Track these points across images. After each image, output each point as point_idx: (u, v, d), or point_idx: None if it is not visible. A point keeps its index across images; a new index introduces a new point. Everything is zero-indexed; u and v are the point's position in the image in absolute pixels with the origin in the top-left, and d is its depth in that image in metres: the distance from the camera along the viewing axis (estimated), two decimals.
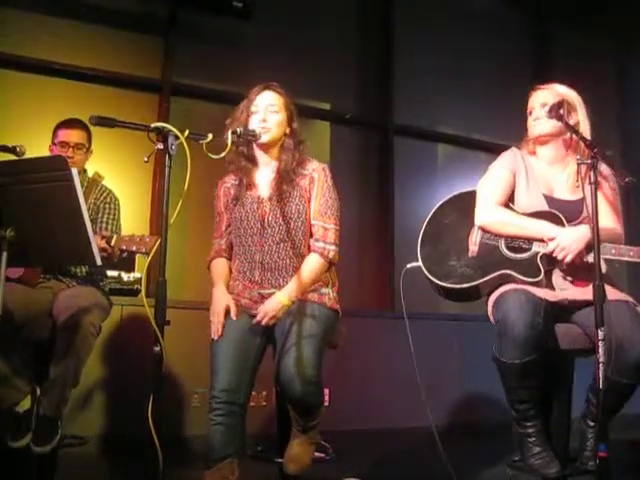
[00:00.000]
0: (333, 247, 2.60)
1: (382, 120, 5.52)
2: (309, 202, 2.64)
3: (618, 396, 2.47)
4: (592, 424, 2.64)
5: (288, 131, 2.68)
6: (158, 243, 2.06)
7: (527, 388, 2.55)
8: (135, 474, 2.79)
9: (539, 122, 2.81)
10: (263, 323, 2.47)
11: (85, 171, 3.37)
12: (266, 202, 2.62)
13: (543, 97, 2.83)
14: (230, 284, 2.66)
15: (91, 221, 2.26)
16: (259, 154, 2.69)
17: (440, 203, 2.96)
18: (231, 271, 2.71)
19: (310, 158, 2.72)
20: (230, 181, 2.75)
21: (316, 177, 2.66)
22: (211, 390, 2.40)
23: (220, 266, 2.71)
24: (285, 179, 2.62)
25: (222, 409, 2.35)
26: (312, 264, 2.57)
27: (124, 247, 2.81)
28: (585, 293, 2.54)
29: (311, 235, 2.64)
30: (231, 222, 2.70)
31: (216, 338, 2.49)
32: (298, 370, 2.32)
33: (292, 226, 2.59)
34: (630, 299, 2.62)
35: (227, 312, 2.53)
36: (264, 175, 2.68)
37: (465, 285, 2.74)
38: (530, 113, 2.87)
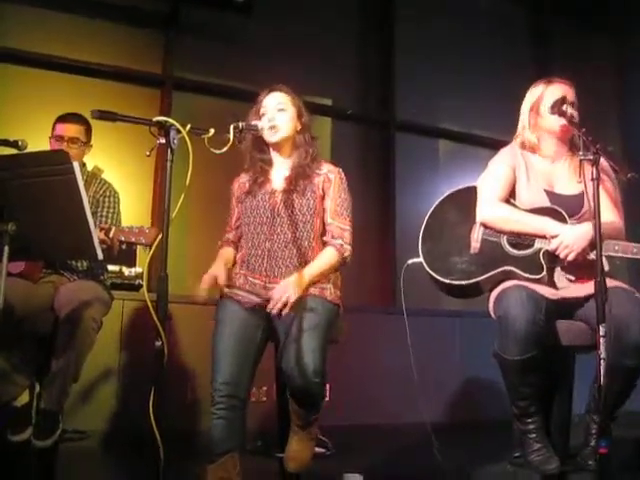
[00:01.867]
0: (349, 247, 2.64)
1: (383, 116, 5.52)
2: (321, 199, 2.66)
3: (622, 381, 2.47)
4: (596, 418, 2.65)
5: (299, 127, 2.71)
6: (159, 237, 2.06)
7: (528, 385, 2.55)
8: (136, 468, 2.80)
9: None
10: (281, 307, 2.40)
11: (84, 165, 3.37)
12: (278, 193, 2.64)
13: (567, 92, 2.78)
14: (231, 276, 2.66)
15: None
16: (274, 154, 2.73)
17: (440, 199, 2.95)
18: (235, 262, 2.71)
19: (323, 160, 2.76)
20: (245, 177, 2.77)
21: (332, 178, 2.69)
22: (212, 383, 2.41)
23: (225, 252, 2.74)
24: (300, 174, 2.65)
25: (223, 403, 2.36)
26: (328, 256, 2.59)
27: (123, 238, 2.79)
28: (586, 289, 2.54)
29: (324, 233, 2.66)
30: (241, 214, 2.71)
31: (203, 286, 2.52)
32: (301, 362, 2.32)
33: (301, 219, 2.61)
34: (629, 287, 2.62)
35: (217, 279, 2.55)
36: (279, 171, 2.71)
37: (467, 282, 2.74)
38: (561, 103, 2.65)
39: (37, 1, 4.43)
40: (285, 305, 2.41)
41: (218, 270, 2.59)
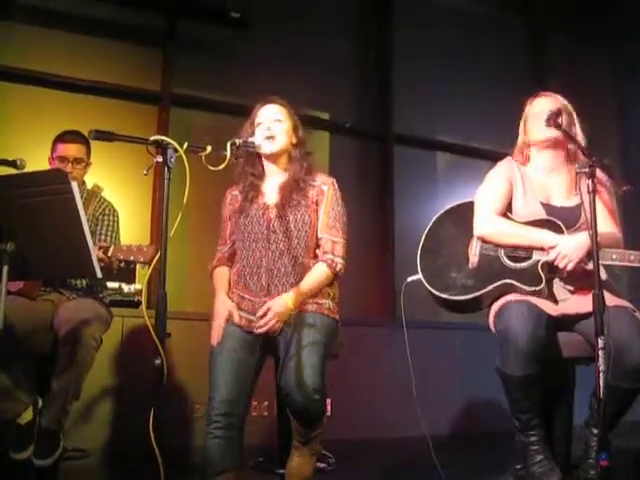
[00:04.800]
0: (341, 260, 2.62)
1: (381, 129, 5.53)
2: (315, 213, 2.65)
3: (620, 401, 2.46)
4: (595, 431, 2.64)
5: (294, 141, 2.71)
6: (158, 255, 2.06)
7: (530, 399, 2.54)
8: None
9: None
10: (270, 326, 2.46)
11: (84, 183, 3.37)
12: (272, 208, 2.63)
13: (552, 103, 2.82)
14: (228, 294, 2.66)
15: (90, 233, 2.26)
16: (267, 166, 2.71)
17: (438, 215, 2.95)
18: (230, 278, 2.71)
19: (318, 171, 2.75)
20: (238, 189, 2.76)
21: (325, 190, 2.68)
22: (209, 401, 2.39)
23: (222, 275, 2.71)
24: (294, 188, 2.63)
25: (220, 422, 2.35)
26: (318, 273, 2.58)
27: (121, 257, 2.78)
28: (585, 305, 2.53)
29: (317, 247, 2.64)
30: (235, 229, 2.70)
31: (215, 344, 2.50)
32: (301, 379, 2.31)
33: (296, 234, 2.60)
34: (629, 305, 2.62)
35: (228, 319, 2.54)
36: (272, 185, 2.69)
37: (466, 297, 2.73)
38: (535, 117, 2.82)
39: (35, 19, 4.45)
40: (270, 327, 2.46)
41: (227, 307, 2.57)
